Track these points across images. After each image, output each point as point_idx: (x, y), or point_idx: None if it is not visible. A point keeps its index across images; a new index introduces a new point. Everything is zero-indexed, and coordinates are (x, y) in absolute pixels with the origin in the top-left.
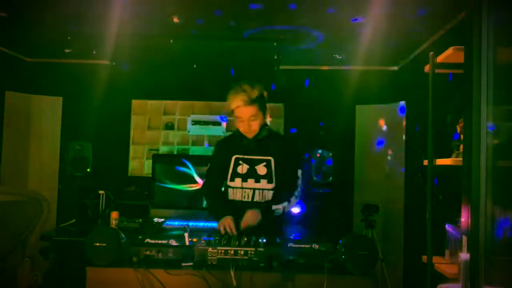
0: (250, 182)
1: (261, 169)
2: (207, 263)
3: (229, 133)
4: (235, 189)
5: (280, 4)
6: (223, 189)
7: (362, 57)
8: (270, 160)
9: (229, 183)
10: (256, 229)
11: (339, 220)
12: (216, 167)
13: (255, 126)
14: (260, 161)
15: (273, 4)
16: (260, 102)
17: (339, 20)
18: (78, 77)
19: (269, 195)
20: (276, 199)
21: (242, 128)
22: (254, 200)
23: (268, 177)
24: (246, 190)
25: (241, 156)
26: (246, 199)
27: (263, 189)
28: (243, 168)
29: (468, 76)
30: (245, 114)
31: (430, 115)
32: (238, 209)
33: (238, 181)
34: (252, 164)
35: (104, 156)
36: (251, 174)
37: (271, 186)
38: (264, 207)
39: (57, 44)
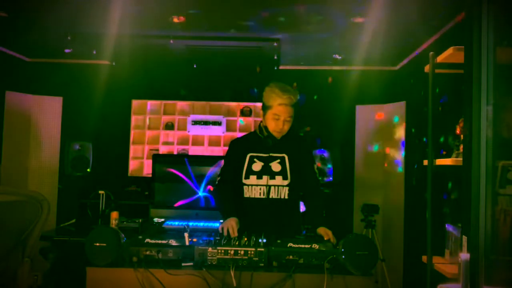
0: (265, 179)
1: (275, 166)
2: (207, 263)
3: (230, 133)
4: (250, 187)
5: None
6: (237, 188)
7: (362, 57)
8: (284, 157)
9: (244, 180)
10: (281, 225)
11: (339, 220)
12: (230, 166)
13: (287, 127)
14: (274, 158)
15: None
16: (296, 107)
17: (339, 19)
18: (78, 77)
19: (284, 191)
20: (313, 196)
21: (274, 125)
22: (270, 196)
23: (283, 173)
24: (261, 187)
25: (255, 154)
26: (261, 196)
27: (278, 186)
28: (257, 166)
29: (468, 76)
30: (285, 113)
31: (430, 115)
32: (253, 206)
33: (253, 179)
34: (267, 161)
35: (104, 156)
36: (266, 171)
37: (286, 182)
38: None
39: (57, 44)
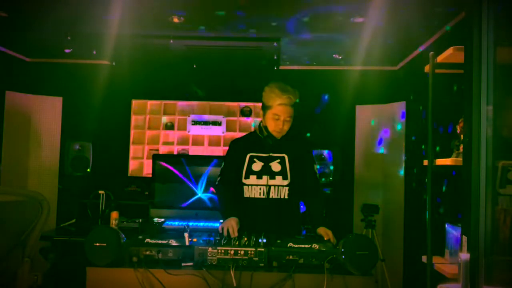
0: (265, 179)
1: (275, 166)
2: (207, 263)
3: (230, 133)
4: (249, 186)
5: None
6: (237, 188)
7: (362, 57)
8: (284, 157)
9: (243, 180)
10: (281, 225)
11: (339, 220)
12: (230, 166)
13: (287, 127)
14: (274, 158)
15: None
16: (296, 107)
17: (339, 19)
18: (78, 77)
19: (284, 191)
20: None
21: (274, 126)
22: (270, 196)
23: (282, 173)
24: (261, 187)
25: (255, 154)
26: (261, 196)
27: (278, 186)
28: (257, 166)
29: (468, 76)
30: (285, 113)
31: (430, 115)
32: (253, 206)
33: (252, 179)
34: (267, 161)
35: (104, 156)
36: (266, 171)
37: (286, 182)
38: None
39: (57, 44)
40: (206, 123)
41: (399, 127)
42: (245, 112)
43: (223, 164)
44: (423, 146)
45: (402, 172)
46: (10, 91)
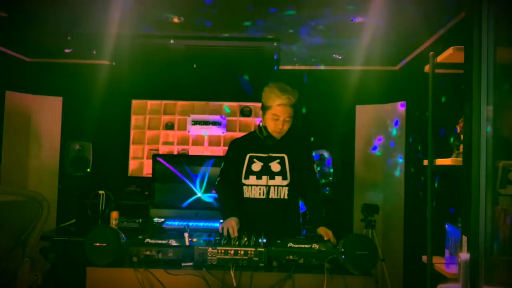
0: (265, 179)
1: (275, 166)
2: (207, 263)
3: (229, 133)
4: (249, 187)
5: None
6: (237, 188)
7: (362, 57)
8: (283, 157)
9: (243, 181)
10: (281, 225)
11: (339, 220)
12: (230, 166)
13: (286, 127)
14: (274, 158)
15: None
16: (295, 107)
17: (339, 20)
18: (78, 77)
19: (284, 191)
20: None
21: (274, 126)
22: (269, 196)
23: (282, 173)
24: (261, 187)
25: (255, 154)
26: (261, 196)
27: (278, 186)
28: (257, 166)
29: (468, 76)
30: (284, 113)
31: (430, 115)
32: (253, 207)
33: (252, 179)
34: (266, 161)
35: (104, 156)
36: (265, 171)
37: (286, 182)
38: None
39: (57, 44)
40: (206, 123)
41: (398, 127)
42: (245, 112)
43: (222, 164)
44: (419, 147)
45: (402, 172)
46: (10, 91)
